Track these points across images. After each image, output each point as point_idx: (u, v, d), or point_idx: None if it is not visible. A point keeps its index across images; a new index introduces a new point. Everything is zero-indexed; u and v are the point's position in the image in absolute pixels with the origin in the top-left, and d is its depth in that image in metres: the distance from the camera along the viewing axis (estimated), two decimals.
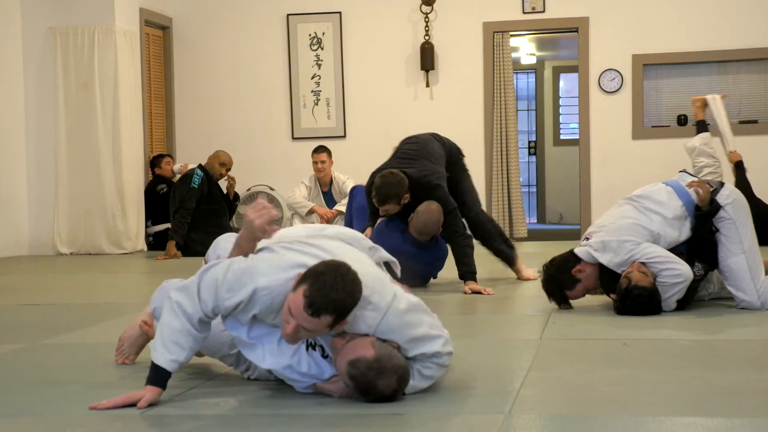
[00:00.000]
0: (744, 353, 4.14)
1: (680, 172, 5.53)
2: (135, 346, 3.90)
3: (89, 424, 3.06)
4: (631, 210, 5.22)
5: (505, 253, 6.80)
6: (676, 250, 5.15)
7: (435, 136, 6.71)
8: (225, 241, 3.70)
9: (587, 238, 5.26)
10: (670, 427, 2.87)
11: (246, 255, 3.27)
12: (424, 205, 6.17)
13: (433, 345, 3.23)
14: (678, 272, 4.97)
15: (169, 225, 9.70)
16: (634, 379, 3.55)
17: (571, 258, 5.22)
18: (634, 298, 4.95)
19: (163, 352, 3.14)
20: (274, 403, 3.24)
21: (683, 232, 5.14)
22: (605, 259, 5.11)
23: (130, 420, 3.08)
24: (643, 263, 5.03)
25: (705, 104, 6.31)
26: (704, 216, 5.10)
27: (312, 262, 3.11)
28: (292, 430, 2.97)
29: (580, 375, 3.67)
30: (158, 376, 3.16)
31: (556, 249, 6.45)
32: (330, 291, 2.97)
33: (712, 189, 5.11)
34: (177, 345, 3.14)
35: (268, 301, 3.13)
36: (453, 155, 6.68)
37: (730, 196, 5.16)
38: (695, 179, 5.24)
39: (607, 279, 5.16)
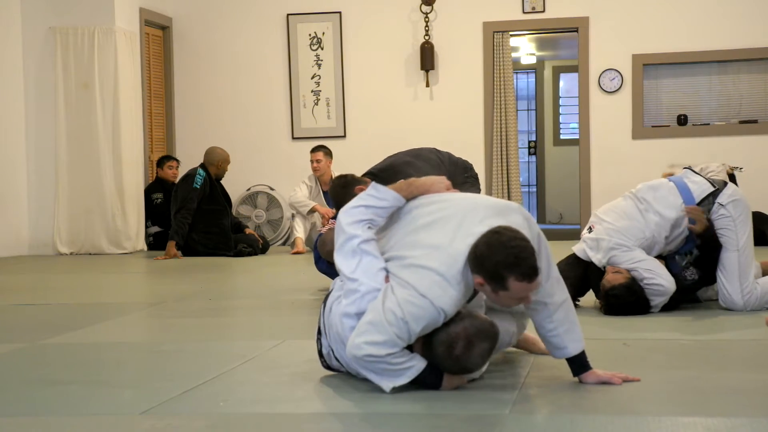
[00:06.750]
0: (744, 353, 4.15)
1: (685, 168, 5.53)
2: None
3: (89, 424, 3.06)
4: (633, 209, 5.24)
5: None
6: (682, 249, 5.20)
7: (433, 149, 6.68)
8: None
9: (590, 228, 5.32)
10: (670, 427, 2.87)
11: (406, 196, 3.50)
12: None
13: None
14: (660, 289, 5.06)
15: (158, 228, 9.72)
16: None
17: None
18: (616, 296, 5.06)
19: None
20: (275, 403, 3.24)
21: (677, 233, 5.17)
22: (597, 258, 5.23)
23: (130, 420, 3.08)
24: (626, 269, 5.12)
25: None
26: (703, 244, 5.17)
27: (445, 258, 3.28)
28: (292, 430, 2.97)
29: None
30: None
31: (555, 249, 6.44)
32: (525, 257, 3.21)
33: (707, 224, 5.12)
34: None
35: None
36: (454, 166, 6.61)
37: (732, 195, 5.19)
38: (692, 206, 5.16)
39: (596, 280, 5.26)
